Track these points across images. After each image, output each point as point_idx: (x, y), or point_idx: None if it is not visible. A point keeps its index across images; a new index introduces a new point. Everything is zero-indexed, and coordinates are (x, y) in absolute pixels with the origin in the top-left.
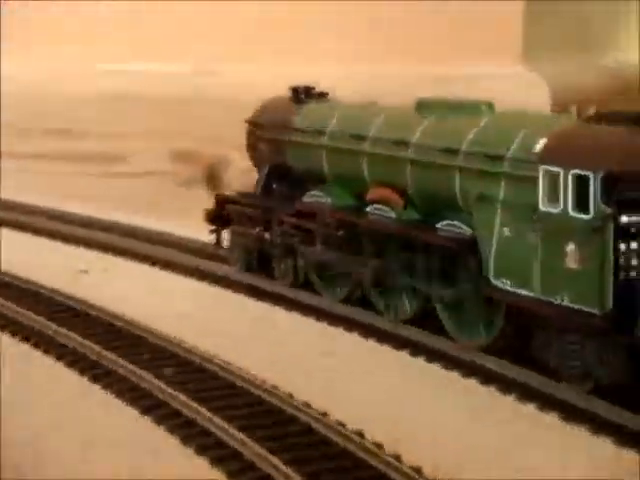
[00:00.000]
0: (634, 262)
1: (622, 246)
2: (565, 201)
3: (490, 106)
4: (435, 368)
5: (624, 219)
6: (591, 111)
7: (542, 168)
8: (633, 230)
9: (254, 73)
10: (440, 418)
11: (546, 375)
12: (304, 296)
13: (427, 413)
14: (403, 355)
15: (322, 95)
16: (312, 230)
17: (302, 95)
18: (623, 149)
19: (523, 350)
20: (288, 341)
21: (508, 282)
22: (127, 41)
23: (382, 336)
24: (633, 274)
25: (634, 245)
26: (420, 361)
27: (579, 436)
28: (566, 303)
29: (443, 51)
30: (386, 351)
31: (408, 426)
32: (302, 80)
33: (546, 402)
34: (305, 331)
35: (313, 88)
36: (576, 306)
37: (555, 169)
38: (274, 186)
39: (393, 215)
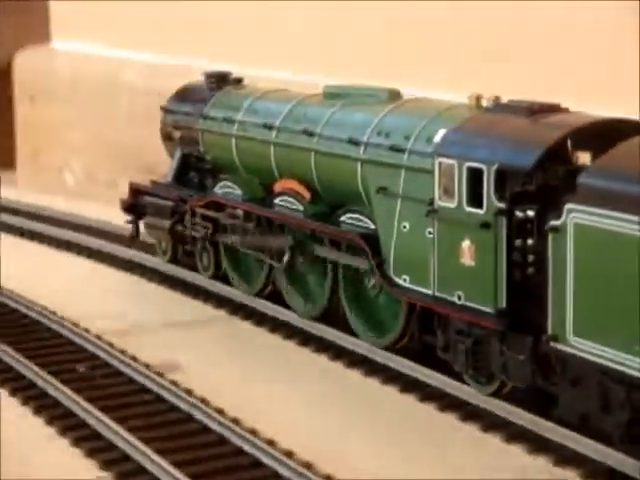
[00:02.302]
0: (530, 259)
1: (517, 242)
2: (460, 195)
3: (395, 94)
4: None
5: (519, 214)
6: (491, 101)
7: (438, 160)
8: (529, 226)
9: None
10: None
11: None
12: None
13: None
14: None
15: (238, 81)
16: (223, 222)
17: (215, 81)
18: (517, 141)
19: (426, 349)
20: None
21: (407, 279)
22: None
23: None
24: (529, 271)
25: (530, 241)
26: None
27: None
28: (462, 301)
29: None
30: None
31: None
32: None
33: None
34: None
35: (229, 74)
36: (472, 304)
37: (450, 161)
38: (188, 176)
39: (300, 208)
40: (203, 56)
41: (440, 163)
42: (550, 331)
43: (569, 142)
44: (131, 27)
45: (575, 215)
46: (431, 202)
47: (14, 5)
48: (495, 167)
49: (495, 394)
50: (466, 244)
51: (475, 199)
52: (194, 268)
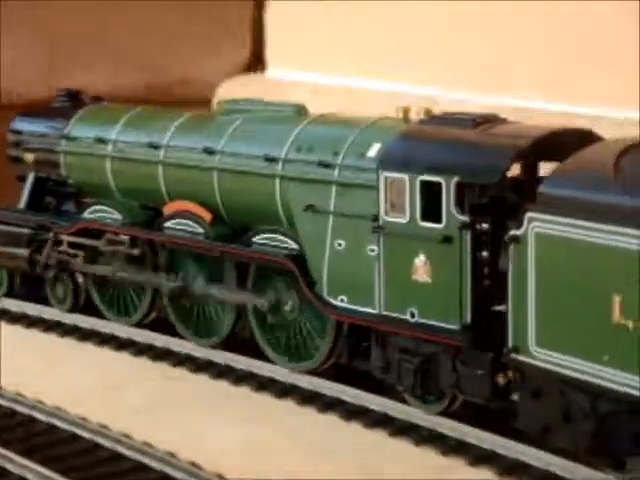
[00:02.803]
0: (487, 271)
1: (480, 255)
2: (412, 210)
3: (300, 108)
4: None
5: (482, 226)
6: (422, 113)
7: (383, 175)
8: (486, 238)
9: None
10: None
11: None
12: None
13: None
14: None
15: (97, 99)
16: (100, 249)
17: (68, 100)
18: (477, 153)
19: (357, 370)
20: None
21: (345, 299)
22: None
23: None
24: (489, 284)
25: (485, 254)
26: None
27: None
28: (417, 319)
29: None
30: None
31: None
32: None
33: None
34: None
35: (81, 93)
36: (429, 321)
37: (399, 175)
38: (44, 201)
39: (199, 230)
40: (404, 80)
41: (386, 177)
42: (511, 343)
43: (530, 153)
44: (340, 53)
45: (536, 224)
46: (375, 218)
47: (216, 31)
48: (455, 180)
49: (442, 413)
50: (420, 260)
51: (431, 213)
52: (38, 300)
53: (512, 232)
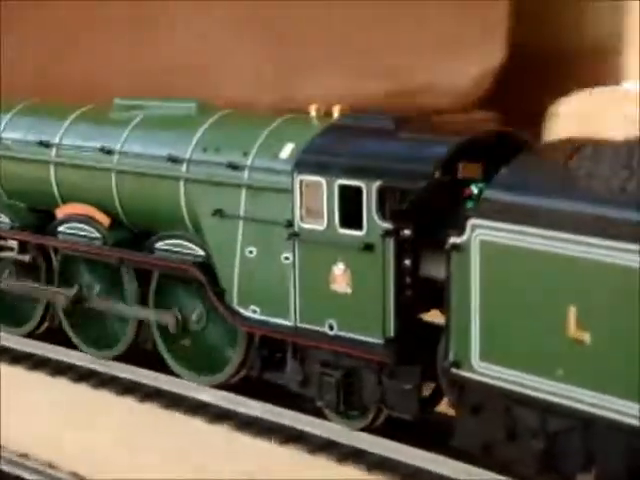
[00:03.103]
0: (410, 280)
1: (406, 263)
2: (330, 216)
3: (205, 105)
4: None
5: (406, 233)
6: (337, 112)
7: (299, 178)
8: (408, 245)
9: None
10: None
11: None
12: None
13: None
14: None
15: None
16: None
17: None
18: (400, 156)
19: (269, 384)
20: None
21: (258, 310)
22: None
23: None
24: (410, 293)
25: (407, 262)
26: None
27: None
28: (336, 332)
29: None
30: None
31: None
32: None
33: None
34: None
35: None
36: (349, 334)
37: (316, 179)
38: None
39: (96, 235)
40: None
41: (302, 181)
42: (452, 357)
43: (455, 155)
44: None
45: (481, 232)
46: (289, 224)
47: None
48: (377, 185)
49: (365, 429)
50: (339, 269)
51: (351, 219)
52: None
53: (453, 240)
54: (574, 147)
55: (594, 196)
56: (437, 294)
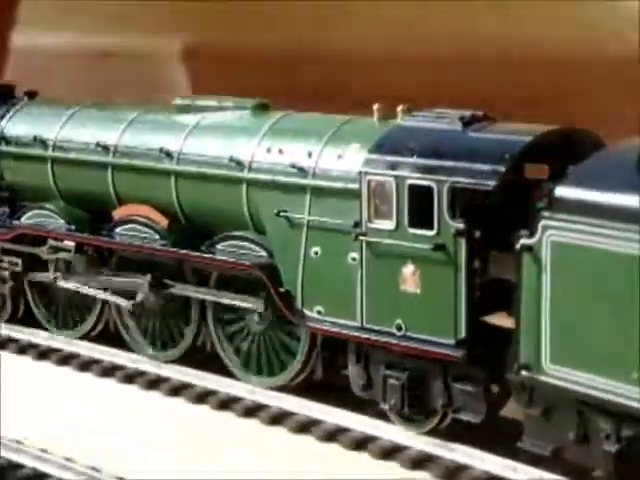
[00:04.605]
0: (479, 281)
1: (476, 263)
2: (400, 216)
3: (262, 105)
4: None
5: (477, 234)
6: (404, 109)
7: (366, 178)
8: (478, 246)
9: None
10: None
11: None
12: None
13: None
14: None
15: (31, 95)
16: (42, 257)
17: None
18: (470, 155)
19: (331, 386)
20: None
21: (322, 310)
22: None
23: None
24: (480, 294)
25: (478, 263)
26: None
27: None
28: (405, 332)
29: None
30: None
31: None
32: None
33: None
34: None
35: (14, 86)
36: (419, 335)
37: (385, 179)
38: None
39: (156, 237)
40: None
41: (370, 181)
42: (522, 359)
43: (525, 155)
44: None
45: (553, 232)
46: (355, 224)
47: None
48: (448, 184)
49: (431, 431)
50: (409, 269)
51: (422, 219)
52: None
53: (524, 241)
54: None
55: None
56: (505, 296)
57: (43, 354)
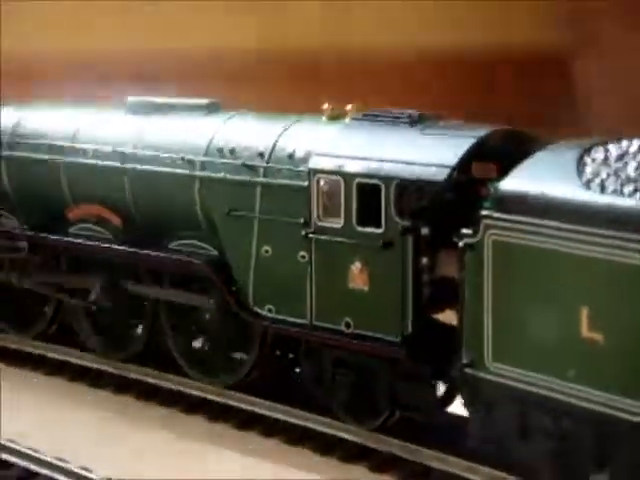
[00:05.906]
0: (426, 279)
1: (423, 261)
2: (348, 214)
3: (215, 106)
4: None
5: (424, 231)
6: (353, 109)
7: (316, 177)
8: (425, 244)
9: None
10: None
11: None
12: None
13: None
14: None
15: None
16: None
17: None
18: (418, 154)
19: (282, 384)
20: None
21: (273, 308)
22: None
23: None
24: (427, 292)
25: (425, 260)
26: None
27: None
28: (353, 329)
29: None
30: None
31: None
32: None
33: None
34: None
35: None
36: (366, 332)
37: (333, 178)
38: None
39: (109, 236)
40: None
41: (319, 180)
42: (465, 357)
43: (472, 154)
44: None
45: (494, 232)
46: (306, 223)
47: None
48: (396, 183)
49: (378, 429)
50: (356, 267)
51: (369, 217)
52: None
53: (467, 239)
54: (590, 144)
55: (606, 190)
56: (451, 294)
57: None
